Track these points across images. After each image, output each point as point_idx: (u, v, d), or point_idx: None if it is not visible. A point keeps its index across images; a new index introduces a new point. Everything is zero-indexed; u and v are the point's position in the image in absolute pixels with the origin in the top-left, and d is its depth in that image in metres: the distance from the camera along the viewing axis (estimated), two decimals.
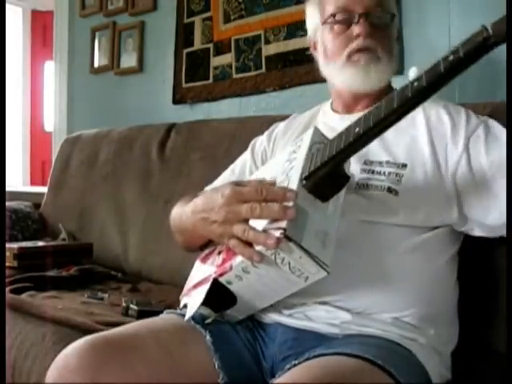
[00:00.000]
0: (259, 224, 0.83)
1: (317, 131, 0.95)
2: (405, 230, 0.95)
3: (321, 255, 0.80)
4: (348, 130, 0.84)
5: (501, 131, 0.98)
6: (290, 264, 0.81)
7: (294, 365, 0.82)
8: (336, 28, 1.08)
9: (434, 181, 0.97)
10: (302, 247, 0.78)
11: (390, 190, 0.96)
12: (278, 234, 0.78)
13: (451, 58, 0.69)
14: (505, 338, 0.91)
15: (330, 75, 1.12)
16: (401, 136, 1.01)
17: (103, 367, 0.84)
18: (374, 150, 1.00)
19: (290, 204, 0.80)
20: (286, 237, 0.78)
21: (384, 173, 0.98)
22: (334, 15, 1.07)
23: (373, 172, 0.99)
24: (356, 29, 1.05)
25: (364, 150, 0.87)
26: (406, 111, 0.78)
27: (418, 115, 1.03)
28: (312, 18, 1.16)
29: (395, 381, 0.78)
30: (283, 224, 0.79)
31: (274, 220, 0.81)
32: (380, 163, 1.00)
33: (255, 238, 0.81)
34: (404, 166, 0.98)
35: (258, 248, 0.81)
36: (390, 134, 0.96)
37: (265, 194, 0.83)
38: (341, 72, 1.08)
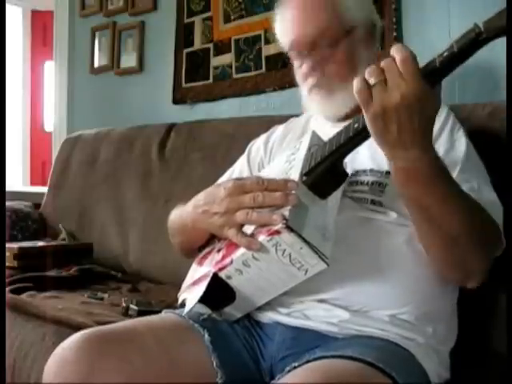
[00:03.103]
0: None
1: (314, 135, 0.98)
2: (399, 226, 0.95)
3: (321, 247, 0.82)
4: (347, 126, 0.86)
5: (460, 151, 0.98)
6: (290, 256, 0.82)
7: (294, 367, 0.82)
8: (294, 63, 1.11)
9: None
10: (303, 238, 0.80)
11: (373, 202, 0.97)
12: (280, 225, 0.80)
13: (446, 53, 0.72)
14: (505, 338, 0.91)
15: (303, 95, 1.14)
16: None
17: (100, 359, 0.84)
18: (360, 156, 1.01)
19: (293, 192, 0.83)
20: (288, 227, 0.79)
21: (367, 182, 0.99)
22: (288, 51, 1.10)
23: (356, 183, 0.99)
24: (303, 68, 1.07)
25: (351, 157, 0.90)
26: None
27: None
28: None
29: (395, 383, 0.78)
30: (286, 212, 0.81)
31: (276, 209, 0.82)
32: (364, 171, 1.00)
33: (259, 218, 0.84)
34: (388, 173, 0.97)
35: (259, 239, 0.82)
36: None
37: (266, 184, 0.86)
38: (308, 101, 1.12)
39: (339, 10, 1.06)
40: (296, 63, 1.11)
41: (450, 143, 0.99)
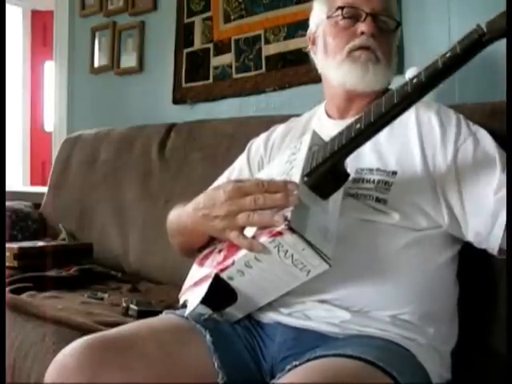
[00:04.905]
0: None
1: (315, 134, 0.98)
2: (401, 228, 0.95)
3: (323, 248, 0.81)
4: (349, 126, 0.85)
5: (489, 144, 0.97)
6: (292, 257, 0.82)
7: (295, 366, 0.82)
8: (341, 23, 1.08)
9: (424, 188, 0.96)
10: (305, 239, 0.80)
11: (378, 199, 0.96)
12: (282, 226, 0.79)
13: (449, 54, 0.72)
14: (505, 339, 0.91)
15: (327, 71, 1.12)
16: (393, 142, 1.01)
17: (101, 367, 0.84)
18: (366, 156, 1.01)
19: (294, 193, 0.82)
20: (290, 229, 0.79)
21: (373, 181, 0.98)
22: (342, 8, 1.07)
23: (362, 181, 0.99)
24: (362, 26, 1.05)
25: (357, 157, 0.89)
26: (406, 107, 0.80)
27: (410, 120, 1.02)
28: (318, 11, 1.15)
29: (396, 383, 0.78)
30: (287, 213, 0.80)
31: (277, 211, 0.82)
32: (370, 170, 1.00)
33: (261, 219, 0.83)
34: (394, 173, 0.98)
35: (261, 241, 0.82)
36: (382, 139, 0.97)
37: (266, 186, 0.85)
38: (339, 68, 1.08)
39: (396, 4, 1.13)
40: (345, 22, 1.08)
41: (474, 138, 0.98)
